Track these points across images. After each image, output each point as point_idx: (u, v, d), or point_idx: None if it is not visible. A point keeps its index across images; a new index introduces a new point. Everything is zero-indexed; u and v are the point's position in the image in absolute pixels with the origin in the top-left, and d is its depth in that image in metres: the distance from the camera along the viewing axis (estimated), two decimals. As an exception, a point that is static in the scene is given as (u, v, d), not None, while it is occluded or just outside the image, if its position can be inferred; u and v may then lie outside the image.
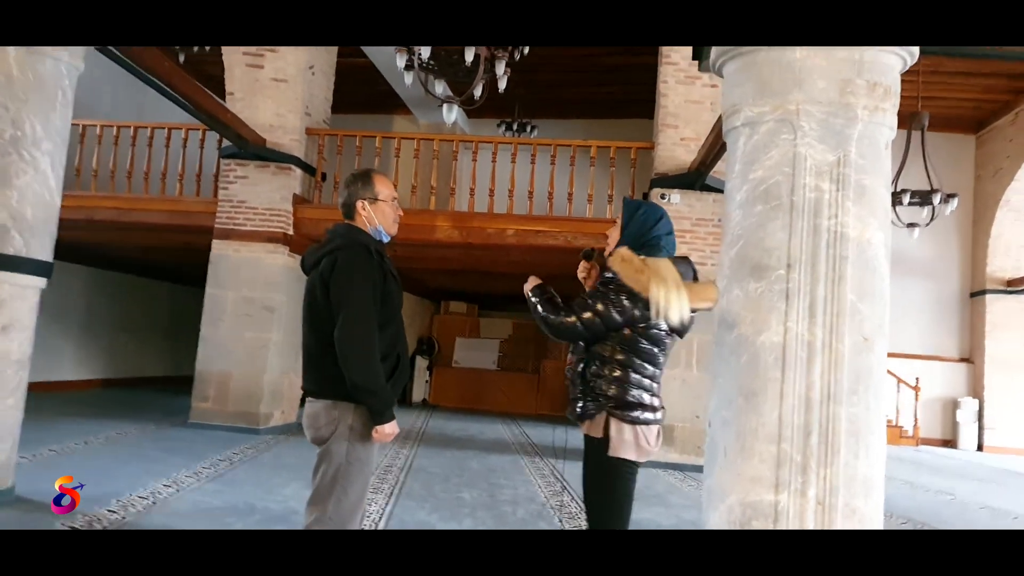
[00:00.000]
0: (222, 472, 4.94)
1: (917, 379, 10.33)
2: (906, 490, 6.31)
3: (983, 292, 10.42)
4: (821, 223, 2.70)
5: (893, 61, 2.86)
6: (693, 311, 2.20)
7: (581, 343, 2.25)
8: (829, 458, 2.60)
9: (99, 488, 4.14)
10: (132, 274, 11.09)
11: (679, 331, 2.26)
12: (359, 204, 2.23)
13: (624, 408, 2.14)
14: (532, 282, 2.32)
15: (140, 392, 10.16)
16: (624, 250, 2.16)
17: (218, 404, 6.96)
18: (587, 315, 2.12)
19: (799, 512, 2.58)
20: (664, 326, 2.21)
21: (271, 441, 6.50)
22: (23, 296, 3.78)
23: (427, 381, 11.47)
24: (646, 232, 2.23)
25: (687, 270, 2.25)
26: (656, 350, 2.21)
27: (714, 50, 3.08)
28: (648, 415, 2.18)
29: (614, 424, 2.13)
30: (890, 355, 9.73)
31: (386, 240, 2.31)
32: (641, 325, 2.16)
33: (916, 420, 10.30)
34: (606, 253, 2.32)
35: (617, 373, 2.15)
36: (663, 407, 2.30)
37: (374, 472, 5.19)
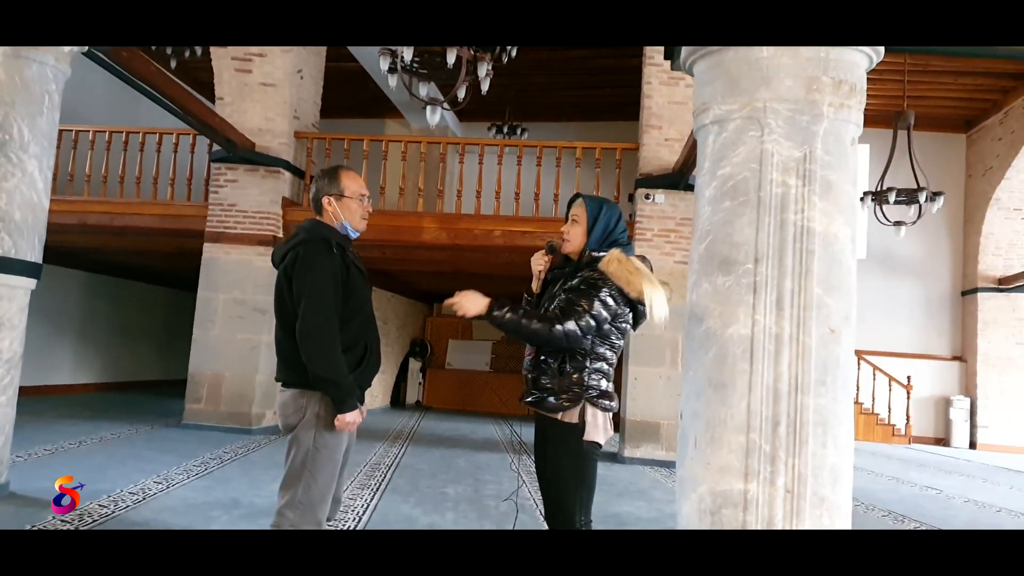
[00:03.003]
0: (212, 470, 5.00)
1: (909, 378, 10.38)
2: (892, 485, 6.36)
3: (975, 290, 10.49)
4: (788, 218, 2.76)
5: (858, 59, 2.91)
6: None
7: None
8: (797, 448, 2.64)
9: (91, 485, 4.20)
10: (128, 279, 11.16)
11: (636, 323, 2.38)
12: (325, 200, 2.29)
13: (601, 397, 2.27)
14: (481, 302, 2.21)
15: (136, 395, 10.21)
16: (618, 252, 2.26)
17: (211, 405, 7.02)
18: (585, 320, 2.17)
19: (768, 500, 2.62)
20: (629, 319, 2.35)
21: (262, 440, 6.55)
22: (12, 296, 3.85)
23: (420, 383, 11.53)
24: (611, 231, 2.32)
25: (648, 267, 2.36)
26: (621, 342, 2.33)
27: (684, 49, 3.14)
28: (614, 403, 2.33)
29: (590, 411, 2.24)
30: (881, 354, 9.84)
31: (354, 236, 2.37)
32: (620, 321, 2.28)
33: (908, 418, 10.35)
34: (566, 251, 2.39)
35: (597, 365, 2.27)
36: None
37: (357, 466, 5.28)
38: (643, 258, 2.42)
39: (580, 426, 2.23)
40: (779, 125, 2.81)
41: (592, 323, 2.20)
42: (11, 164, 3.63)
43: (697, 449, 2.79)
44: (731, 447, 2.69)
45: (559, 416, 2.25)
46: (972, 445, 10.28)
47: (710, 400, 2.77)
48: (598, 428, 2.26)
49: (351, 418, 2.15)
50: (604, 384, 2.29)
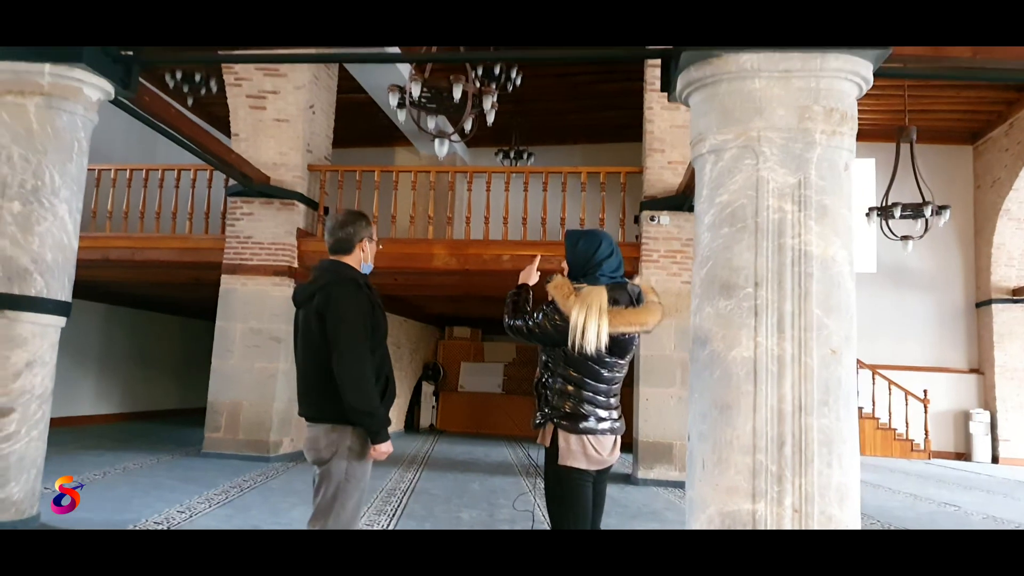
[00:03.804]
0: (232, 498, 5.10)
1: (925, 391, 10.31)
2: (909, 502, 6.34)
3: (988, 302, 10.43)
4: (785, 242, 2.85)
5: (848, 88, 3.02)
6: (624, 335, 2.31)
7: (543, 358, 2.44)
8: (803, 467, 2.71)
9: (117, 515, 4.33)
10: (146, 310, 11.37)
11: (620, 351, 2.36)
12: (363, 242, 2.45)
13: (569, 419, 2.29)
14: (527, 277, 2.65)
15: (156, 424, 10.36)
16: (557, 278, 2.37)
17: (230, 433, 7.14)
18: (531, 323, 2.36)
19: (776, 520, 2.68)
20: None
21: (280, 468, 6.66)
22: (44, 334, 4.00)
23: (434, 406, 11.60)
24: (587, 261, 2.41)
25: (623, 295, 2.35)
26: (598, 368, 2.32)
27: (680, 81, 3.27)
28: (596, 425, 2.31)
29: (561, 435, 2.29)
30: (896, 368, 9.79)
31: (367, 272, 2.52)
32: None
33: (927, 433, 10.27)
34: None
35: (568, 388, 2.32)
36: (619, 419, 2.42)
37: (373, 492, 5.36)
38: (622, 285, 2.41)
39: (553, 449, 2.30)
40: (773, 153, 2.92)
41: (537, 331, 2.34)
42: (43, 209, 3.80)
43: (705, 471, 2.86)
44: (738, 468, 2.77)
45: (538, 437, 2.37)
46: (995, 459, 10.15)
47: (716, 422, 2.85)
48: (571, 452, 2.27)
49: (385, 448, 2.28)
50: (571, 406, 2.30)
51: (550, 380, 2.36)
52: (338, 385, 2.21)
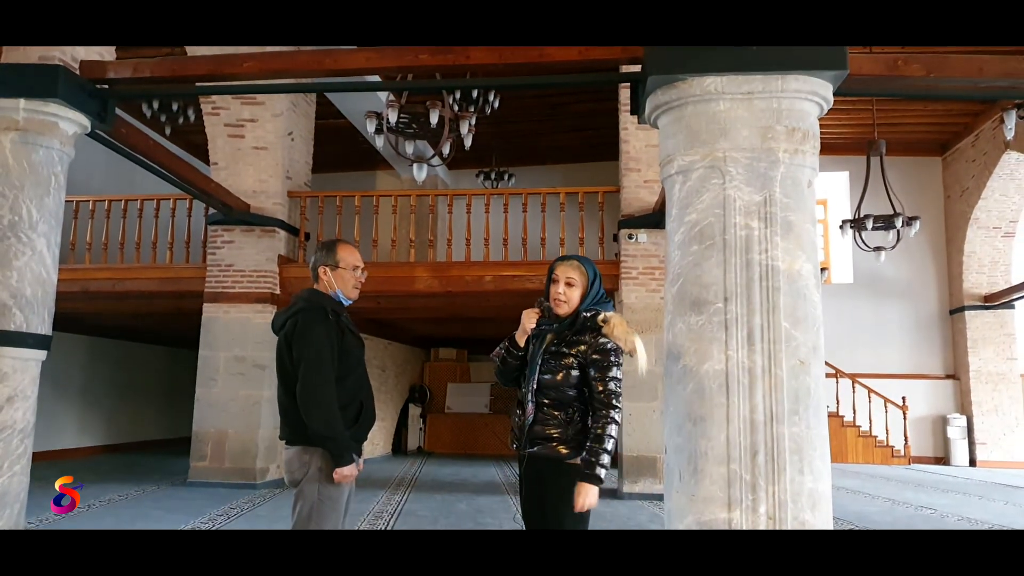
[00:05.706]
0: (219, 526, 5.08)
1: (904, 398, 10.48)
2: (887, 506, 6.44)
3: (962, 309, 10.66)
4: (753, 258, 2.95)
5: (809, 107, 3.15)
6: None
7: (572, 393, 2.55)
8: (776, 475, 2.79)
9: (99, 550, 4.29)
10: (129, 341, 11.30)
11: None
12: (321, 270, 2.49)
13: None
14: (593, 490, 2.40)
15: (141, 456, 10.26)
16: (619, 316, 2.55)
17: (215, 462, 7.11)
18: (619, 396, 2.53)
19: (751, 527, 2.76)
20: None
21: (268, 494, 6.63)
22: (25, 369, 3.99)
23: (421, 429, 11.58)
24: (599, 289, 2.59)
25: None
26: None
27: (648, 104, 3.37)
28: None
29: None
30: (875, 376, 9.96)
31: (347, 303, 2.55)
32: None
33: (906, 439, 10.41)
34: (561, 312, 2.54)
35: (585, 408, 2.53)
36: None
37: (360, 516, 5.36)
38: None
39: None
40: (739, 172, 3.02)
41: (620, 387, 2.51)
42: (21, 243, 3.81)
43: (682, 482, 2.93)
44: (713, 478, 2.84)
45: (571, 460, 2.43)
46: (972, 462, 10.33)
47: (691, 434, 2.92)
48: None
49: (348, 471, 2.32)
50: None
51: (582, 406, 2.52)
52: (300, 410, 2.28)
